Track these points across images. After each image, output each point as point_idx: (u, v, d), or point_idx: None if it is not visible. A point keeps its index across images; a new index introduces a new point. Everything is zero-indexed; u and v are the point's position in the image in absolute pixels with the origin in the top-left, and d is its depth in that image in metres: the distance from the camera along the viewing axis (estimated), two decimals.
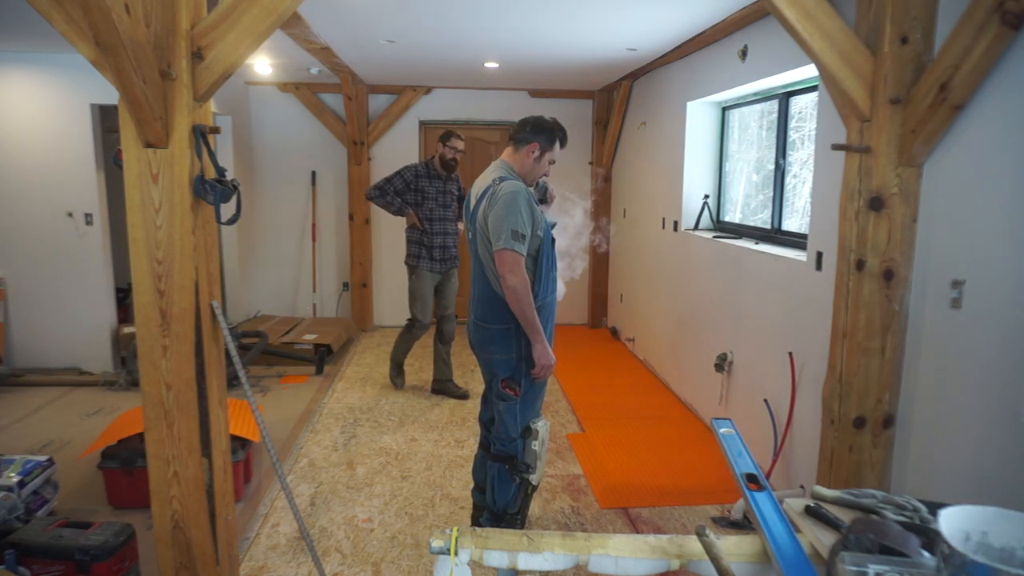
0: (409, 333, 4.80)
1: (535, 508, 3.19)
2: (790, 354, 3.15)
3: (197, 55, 1.90)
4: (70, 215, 5.02)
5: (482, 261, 2.64)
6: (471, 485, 3.19)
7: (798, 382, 3.11)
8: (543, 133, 2.69)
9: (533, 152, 2.68)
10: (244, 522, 3.01)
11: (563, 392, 4.92)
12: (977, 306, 2.08)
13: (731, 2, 3.30)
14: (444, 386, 4.79)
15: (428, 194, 4.53)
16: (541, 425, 2.72)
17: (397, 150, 6.59)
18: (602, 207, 6.72)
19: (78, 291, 5.12)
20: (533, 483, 2.74)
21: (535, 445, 2.69)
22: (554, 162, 2.77)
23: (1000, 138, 2.00)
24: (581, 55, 4.70)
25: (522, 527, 2.77)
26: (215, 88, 1.96)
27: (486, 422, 2.88)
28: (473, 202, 2.71)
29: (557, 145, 2.73)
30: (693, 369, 4.52)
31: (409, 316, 4.77)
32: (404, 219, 4.61)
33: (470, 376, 5.24)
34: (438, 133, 6.70)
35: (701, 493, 3.34)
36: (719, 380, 4.02)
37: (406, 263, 4.68)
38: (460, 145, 4.52)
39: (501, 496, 2.73)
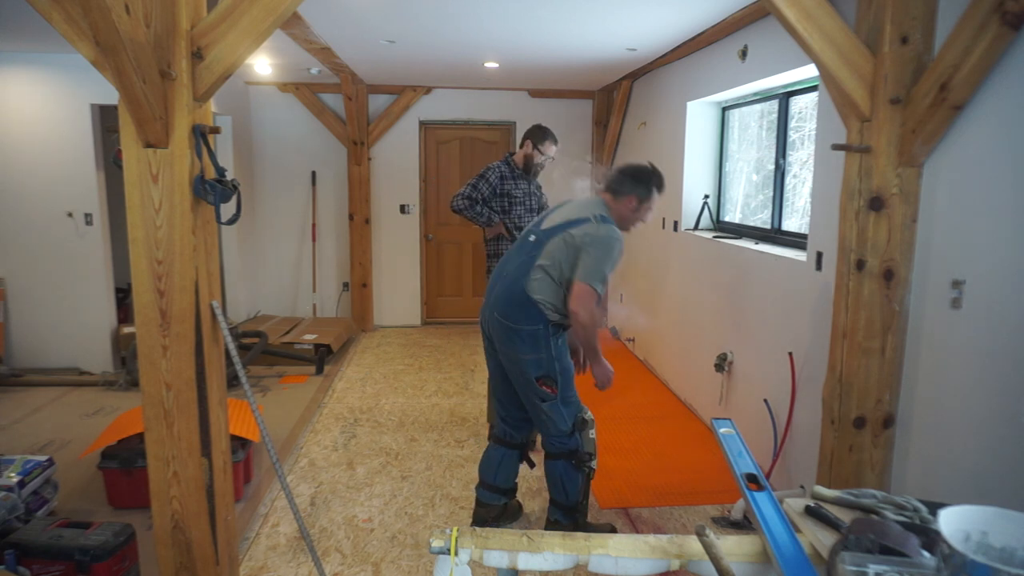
0: None
1: (535, 508, 3.19)
2: (790, 354, 3.15)
3: (197, 55, 1.90)
4: (70, 215, 5.02)
5: (528, 267, 2.68)
6: (473, 483, 3.20)
7: (798, 382, 3.11)
8: (641, 185, 2.73)
9: (631, 204, 2.73)
10: (244, 522, 3.01)
11: None
12: (977, 306, 2.08)
13: (731, 2, 3.30)
14: None
15: (516, 198, 3.90)
16: (590, 415, 2.82)
17: (397, 150, 6.60)
18: None
19: (78, 291, 5.11)
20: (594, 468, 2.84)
21: (592, 434, 2.80)
22: (651, 208, 2.81)
23: (1000, 138, 2.00)
24: (581, 55, 4.70)
25: (585, 513, 2.88)
26: (215, 88, 1.96)
27: (507, 418, 2.93)
28: (558, 219, 2.74)
29: (655, 192, 2.77)
30: (693, 369, 4.52)
31: None
32: (452, 224, 4.09)
33: (470, 376, 5.24)
34: (438, 133, 6.77)
35: (701, 493, 3.34)
36: (719, 380, 4.02)
37: None
38: (553, 152, 3.89)
39: (573, 490, 2.80)
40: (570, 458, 2.76)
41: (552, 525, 2.84)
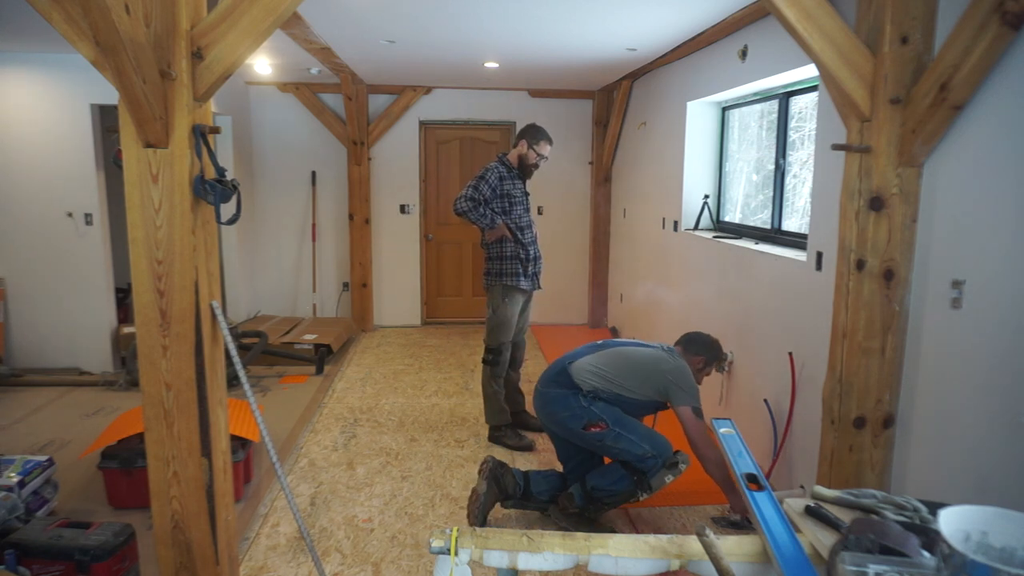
0: (497, 367, 3.91)
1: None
2: (790, 354, 3.15)
3: (197, 55, 1.90)
4: (70, 215, 5.02)
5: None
6: (473, 484, 3.20)
7: (798, 382, 3.11)
8: (709, 351, 3.12)
9: (698, 365, 3.08)
10: (244, 522, 3.01)
11: None
12: (977, 306, 2.08)
13: (731, 2, 3.30)
14: (520, 417, 4.10)
15: (515, 198, 3.84)
16: (683, 465, 2.88)
17: (397, 150, 6.60)
18: (603, 206, 6.73)
19: (78, 291, 5.11)
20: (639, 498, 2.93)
21: (668, 478, 2.85)
22: (710, 373, 3.20)
23: (1000, 138, 2.00)
24: (581, 55, 4.70)
25: (597, 518, 3.00)
26: (215, 88, 1.96)
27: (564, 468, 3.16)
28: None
29: (715, 365, 3.16)
30: None
31: (491, 348, 3.90)
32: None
33: (470, 376, 5.25)
34: (438, 133, 6.77)
35: (701, 493, 3.34)
36: (719, 380, 4.02)
37: (496, 284, 3.86)
38: (548, 151, 3.88)
39: (609, 488, 2.87)
40: (634, 474, 2.84)
41: (565, 498, 2.94)
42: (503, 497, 3.01)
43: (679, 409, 2.84)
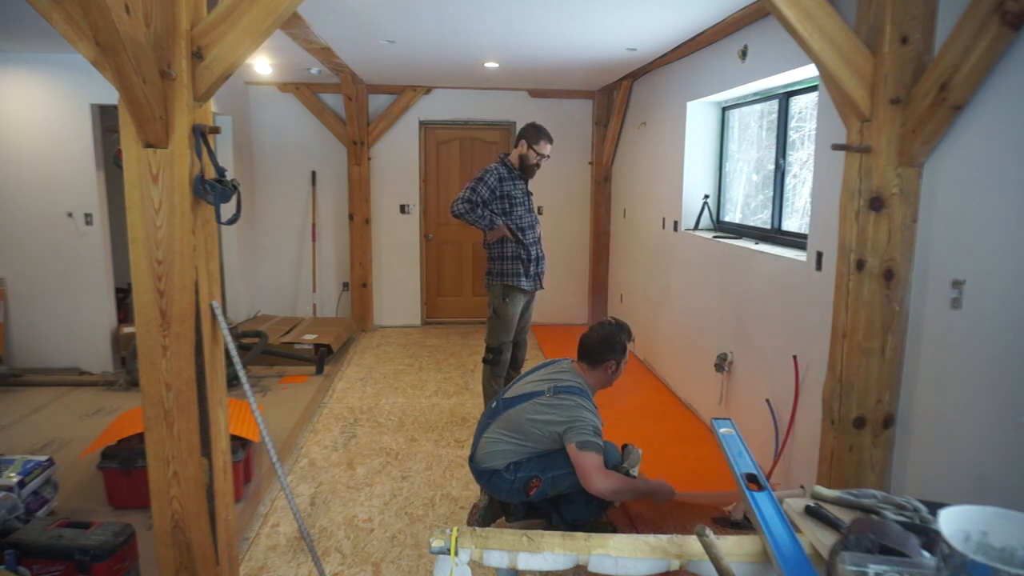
0: (498, 367, 3.93)
1: None
2: (794, 357, 3.15)
3: (197, 55, 1.90)
4: (70, 215, 5.02)
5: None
6: (473, 483, 3.20)
7: (799, 383, 3.11)
8: (616, 348, 2.84)
9: (611, 370, 2.85)
10: (244, 522, 3.01)
11: None
12: (977, 306, 2.08)
13: (731, 2, 3.30)
14: None
15: (516, 199, 3.83)
16: (636, 453, 2.82)
17: (397, 150, 6.60)
18: (603, 206, 6.73)
19: (78, 291, 5.11)
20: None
21: (633, 472, 2.78)
22: (625, 360, 2.93)
23: (1000, 138, 2.00)
24: (581, 55, 4.70)
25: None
26: (215, 88, 1.96)
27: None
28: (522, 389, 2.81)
29: (625, 353, 2.89)
30: (693, 369, 4.51)
31: (492, 347, 3.91)
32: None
33: (470, 376, 5.25)
34: (438, 133, 6.76)
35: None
36: (719, 380, 4.02)
37: (497, 284, 3.87)
38: (548, 151, 3.85)
39: (582, 512, 2.75)
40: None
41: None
42: (505, 513, 2.92)
43: (568, 448, 2.59)
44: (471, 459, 2.82)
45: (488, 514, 2.91)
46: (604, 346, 2.83)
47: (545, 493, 2.70)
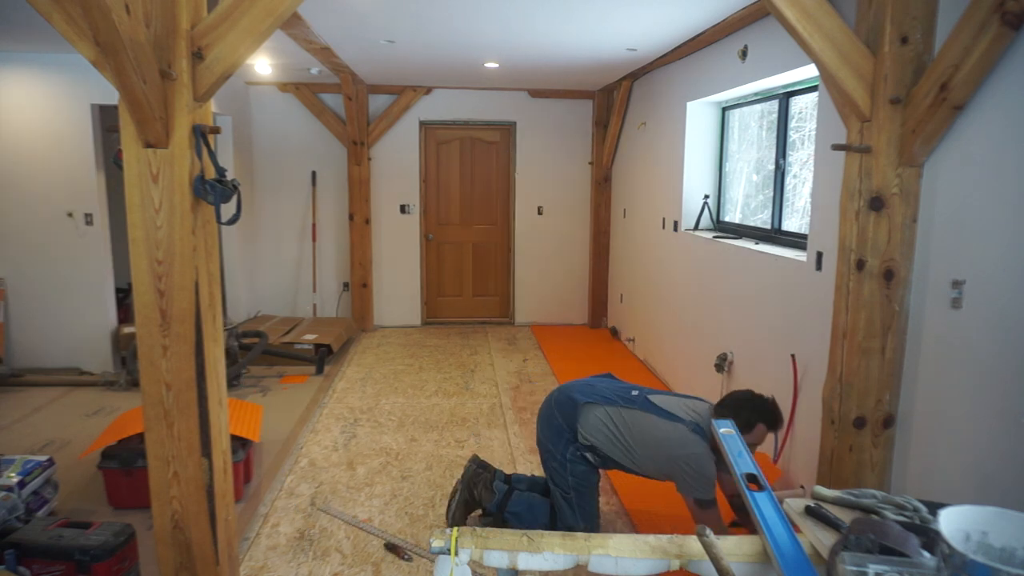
0: None
1: None
2: (792, 356, 3.15)
3: (197, 55, 1.90)
4: (70, 215, 5.01)
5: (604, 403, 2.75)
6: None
7: (798, 383, 3.11)
8: (765, 416, 2.61)
9: (763, 432, 2.64)
10: (244, 522, 3.01)
11: None
12: (977, 306, 2.08)
13: (731, 2, 3.30)
14: None
15: None
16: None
17: (397, 150, 6.60)
18: (603, 206, 6.73)
19: (78, 291, 5.11)
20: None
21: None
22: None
23: (1000, 138, 2.00)
24: (581, 55, 4.70)
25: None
26: (215, 88, 1.96)
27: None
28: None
29: (773, 427, 2.65)
30: (693, 369, 4.51)
31: None
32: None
33: (470, 376, 5.25)
34: (438, 133, 6.77)
35: None
36: (719, 380, 4.02)
37: None
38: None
39: (527, 512, 2.83)
40: (555, 521, 2.79)
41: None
42: (479, 507, 2.95)
43: (682, 494, 2.59)
44: (566, 388, 2.83)
45: (459, 508, 2.93)
46: (758, 409, 2.59)
47: (556, 487, 2.75)
